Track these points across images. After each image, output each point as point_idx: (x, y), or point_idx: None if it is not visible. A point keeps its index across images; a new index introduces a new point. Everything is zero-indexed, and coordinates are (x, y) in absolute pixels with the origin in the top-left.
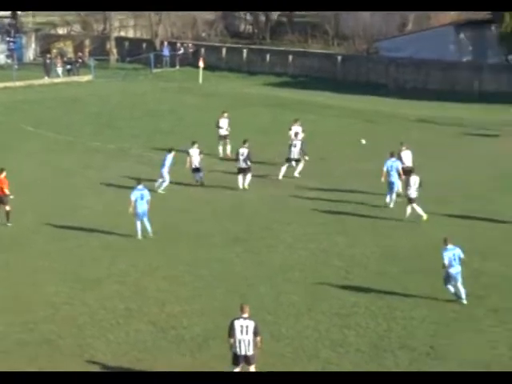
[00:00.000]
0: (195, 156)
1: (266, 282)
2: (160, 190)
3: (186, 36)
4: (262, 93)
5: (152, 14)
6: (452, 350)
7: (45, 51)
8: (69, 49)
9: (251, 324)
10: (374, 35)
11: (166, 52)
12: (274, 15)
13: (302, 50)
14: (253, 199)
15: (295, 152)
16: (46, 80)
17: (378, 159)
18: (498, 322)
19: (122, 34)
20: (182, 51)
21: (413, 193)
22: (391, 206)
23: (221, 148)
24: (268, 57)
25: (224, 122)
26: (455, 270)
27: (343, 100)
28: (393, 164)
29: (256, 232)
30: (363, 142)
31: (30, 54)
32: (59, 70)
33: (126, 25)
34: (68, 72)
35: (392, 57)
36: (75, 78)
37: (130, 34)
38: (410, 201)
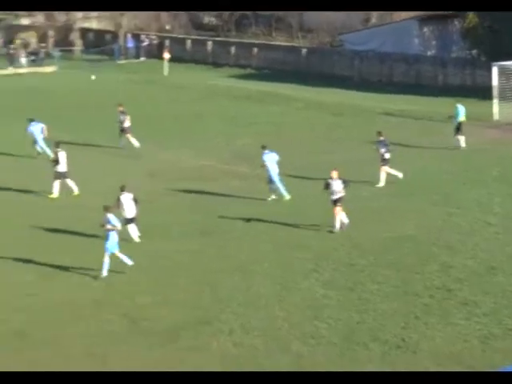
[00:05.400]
0: None
1: (235, 274)
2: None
3: (150, 28)
4: (228, 85)
5: None
6: (423, 343)
7: (8, 41)
8: (32, 39)
9: None
10: (338, 28)
11: (131, 43)
12: None
13: (266, 42)
14: (218, 192)
15: None
16: (10, 70)
17: (344, 151)
18: (468, 314)
19: (86, 25)
20: (146, 43)
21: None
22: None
23: (132, 140)
24: (233, 49)
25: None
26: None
27: (308, 92)
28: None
29: (221, 225)
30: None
31: None
32: (23, 60)
33: (89, 16)
34: (32, 62)
35: (356, 50)
36: (39, 69)
37: (94, 25)
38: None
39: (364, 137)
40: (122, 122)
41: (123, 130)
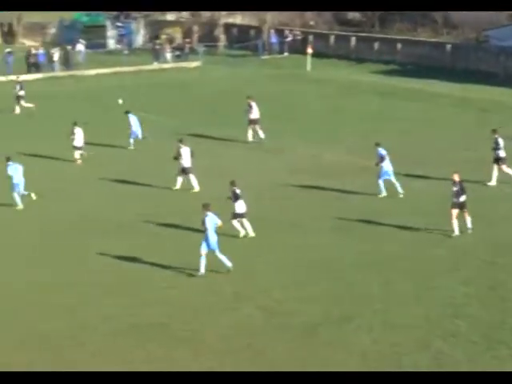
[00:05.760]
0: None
1: (372, 271)
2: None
3: (294, 23)
4: (371, 80)
5: None
6: None
7: (154, 37)
8: (177, 35)
9: None
10: (483, 24)
11: (274, 39)
12: None
13: (410, 38)
14: (357, 188)
15: None
16: (155, 65)
17: (488, 149)
18: None
19: (230, 20)
20: (290, 38)
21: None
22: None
23: (250, 133)
24: (376, 45)
25: (255, 107)
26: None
27: (453, 89)
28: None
29: (360, 220)
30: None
31: (140, 39)
32: (168, 55)
33: (234, 11)
34: (176, 58)
35: (502, 46)
36: (184, 64)
37: (238, 20)
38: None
39: (510, 134)
40: (248, 113)
41: (251, 122)
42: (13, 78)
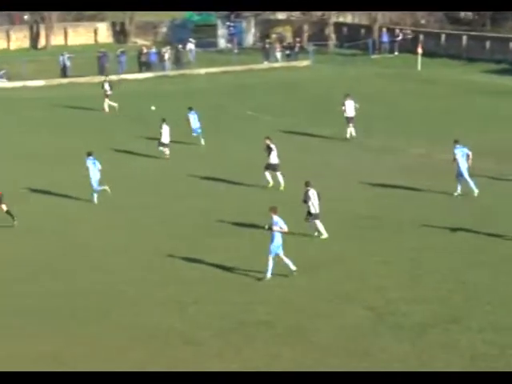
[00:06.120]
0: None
1: (484, 272)
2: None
3: (405, 22)
4: (482, 80)
5: None
6: None
7: (264, 36)
8: (288, 34)
9: None
10: None
11: (385, 38)
12: None
13: None
14: (465, 188)
15: None
16: (265, 64)
17: None
18: None
19: (341, 19)
20: (400, 37)
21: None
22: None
23: (348, 130)
24: (488, 44)
25: (350, 104)
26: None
27: None
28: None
29: (470, 221)
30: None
31: (250, 38)
32: (278, 54)
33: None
34: (287, 57)
35: None
36: (294, 63)
37: (349, 19)
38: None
39: None
40: (343, 112)
41: (348, 120)
42: (124, 76)
